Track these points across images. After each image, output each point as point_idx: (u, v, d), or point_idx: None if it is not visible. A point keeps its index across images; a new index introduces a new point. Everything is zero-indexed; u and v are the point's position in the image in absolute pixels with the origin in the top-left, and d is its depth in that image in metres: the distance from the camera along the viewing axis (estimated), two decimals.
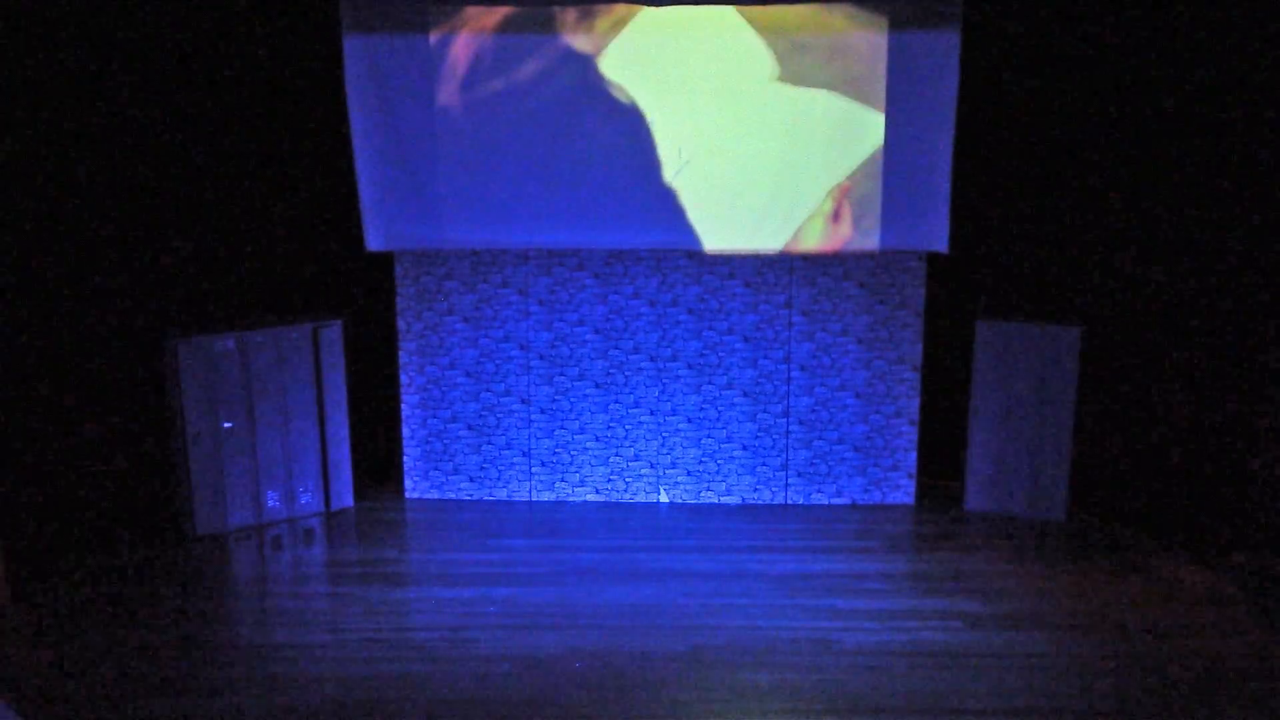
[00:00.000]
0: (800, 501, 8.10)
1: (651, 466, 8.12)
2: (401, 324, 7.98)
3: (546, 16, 7.28)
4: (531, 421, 8.08)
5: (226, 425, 7.53)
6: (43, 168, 7.28)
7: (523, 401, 8.06)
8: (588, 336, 7.96)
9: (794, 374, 7.93)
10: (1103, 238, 7.68)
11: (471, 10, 7.31)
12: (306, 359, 7.70)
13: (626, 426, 8.06)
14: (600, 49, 7.33)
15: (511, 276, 7.90)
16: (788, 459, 8.04)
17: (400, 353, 8.04)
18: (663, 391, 8.01)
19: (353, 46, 7.35)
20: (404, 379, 8.07)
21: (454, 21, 7.34)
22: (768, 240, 7.55)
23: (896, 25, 7.19)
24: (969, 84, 7.27)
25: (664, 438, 8.07)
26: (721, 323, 7.90)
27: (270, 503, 7.75)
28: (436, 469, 8.19)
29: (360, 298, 8.17)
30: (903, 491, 8.06)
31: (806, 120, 7.34)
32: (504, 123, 7.46)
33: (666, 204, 7.54)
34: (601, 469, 8.13)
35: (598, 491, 8.17)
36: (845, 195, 7.45)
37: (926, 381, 7.96)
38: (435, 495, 8.22)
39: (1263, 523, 7.19)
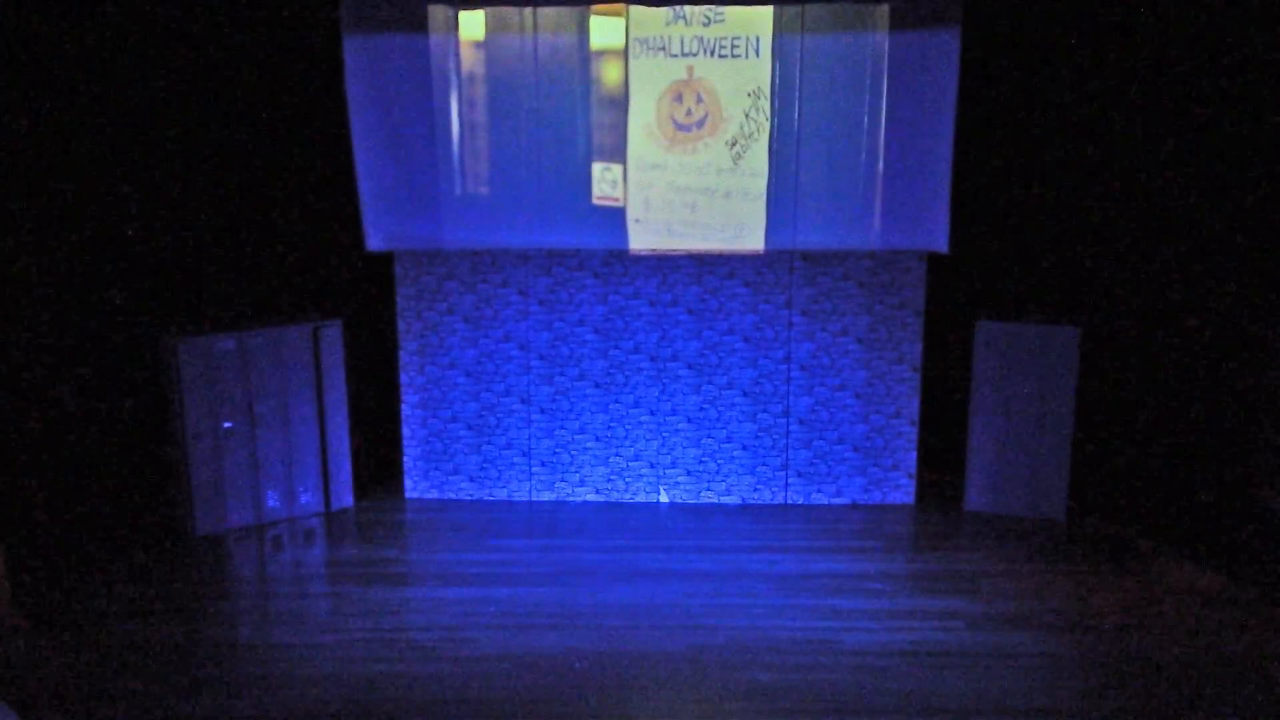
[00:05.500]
0: (800, 501, 8.10)
1: (651, 466, 8.12)
2: (401, 324, 7.98)
3: (547, 16, 7.28)
4: (531, 421, 8.08)
5: (226, 425, 7.53)
6: (42, 167, 7.28)
7: (522, 401, 8.06)
8: (588, 336, 7.96)
9: (794, 374, 7.93)
10: (1103, 238, 7.69)
11: (471, 10, 7.31)
12: (306, 359, 7.70)
13: (626, 426, 8.06)
14: (601, 48, 7.33)
15: (511, 276, 7.90)
16: (788, 459, 8.04)
17: (400, 353, 8.04)
18: (663, 391, 8.01)
19: (353, 46, 7.35)
20: (404, 379, 8.07)
21: (454, 21, 7.34)
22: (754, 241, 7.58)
23: (896, 25, 7.19)
24: (969, 84, 7.27)
25: (664, 438, 8.07)
26: (721, 323, 7.90)
27: (270, 503, 7.75)
28: (436, 469, 8.19)
29: (360, 298, 8.17)
30: (903, 491, 8.06)
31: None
32: (505, 121, 7.47)
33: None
34: (601, 469, 8.13)
35: (598, 491, 8.17)
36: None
37: (926, 381, 7.96)
38: (435, 495, 8.22)
39: (1262, 522, 7.20)
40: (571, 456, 8.13)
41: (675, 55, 7.31)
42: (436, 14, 7.32)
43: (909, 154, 7.36)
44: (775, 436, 8.02)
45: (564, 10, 7.27)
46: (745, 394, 7.98)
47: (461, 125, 7.51)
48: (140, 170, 7.61)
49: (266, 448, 7.68)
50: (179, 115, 7.64)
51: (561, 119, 7.44)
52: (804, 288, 7.81)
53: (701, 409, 8.02)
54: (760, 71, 7.29)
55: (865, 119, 7.35)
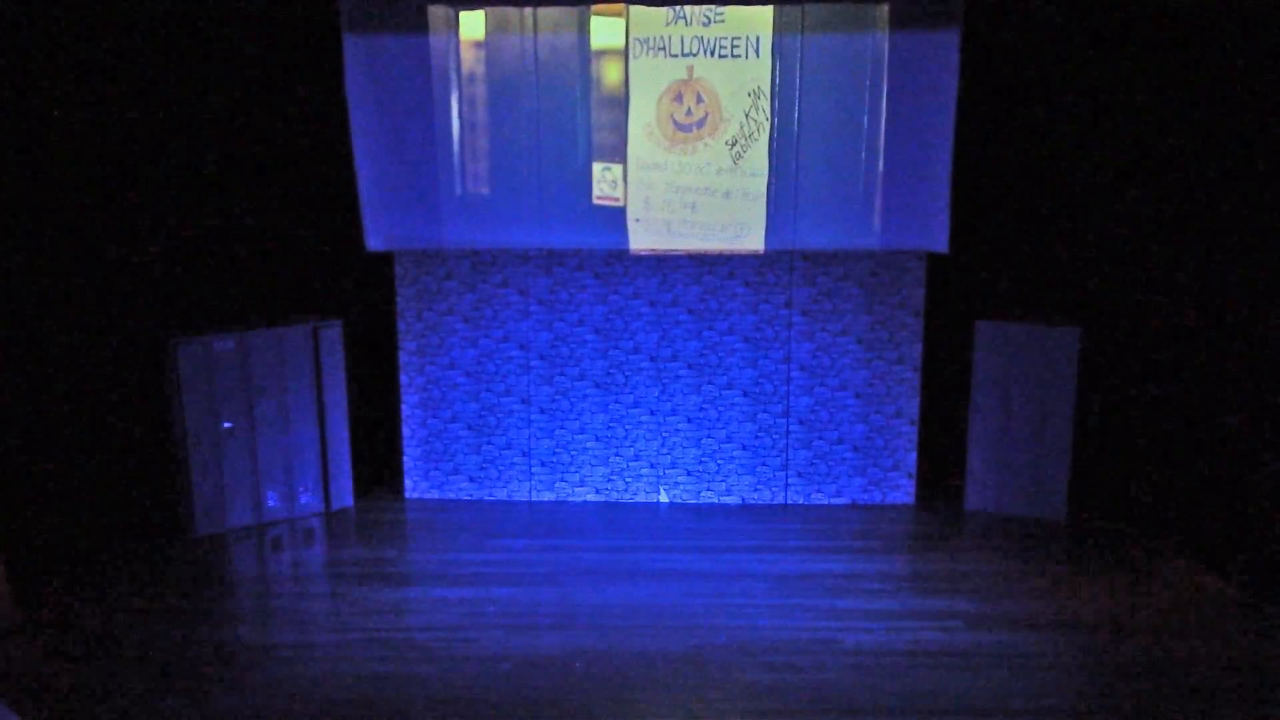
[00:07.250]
0: (800, 501, 8.10)
1: (651, 466, 8.12)
2: (401, 324, 7.98)
3: (547, 16, 7.28)
4: (531, 421, 8.08)
5: (226, 425, 7.53)
6: (42, 167, 7.28)
7: (523, 401, 8.06)
8: (588, 336, 7.96)
9: (794, 374, 7.93)
10: (1102, 238, 7.68)
11: (471, 10, 7.31)
12: (306, 359, 7.71)
13: (626, 426, 8.06)
14: (600, 48, 7.34)
15: (511, 276, 7.90)
16: (788, 459, 8.04)
17: (400, 353, 8.03)
18: (663, 391, 8.01)
19: (353, 46, 7.35)
20: (404, 379, 8.07)
21: (454, 21, 7.35)
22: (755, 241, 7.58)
23: (896, 25, 7.19)
24: (969, 84, 7.27)
25: (664, 438, 8.07)
26: (721, 323, 7.90)
27: (270, 503, 7.75)
28: (436, 469, 8.19)
29: (360, 298, 8.17)
30: (903, 491, 8.06)
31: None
32: (505, 122, 7.47)
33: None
34: (601, 469, 8.13)
35: (598, 491, 8.17)
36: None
37: (926, 381, 7.96)
38: (435, 495, 8.22)
39: (1263, 523, 7.19)
40: (571, 456, 8.13)
41: (675, 55, 7.32)
42: (436, 14, 7.33)
43: (909, 154, 7.36)
44: (775, 436, 8.02)
45: (564, 10, 7.27)
46: (745, 394, 7.98)
47: (461, 125, 7.51)
48: (140, 171, 7.61)
49: (266, 448, 7.68)
50: (179, 115, 7.64)
51: (561, 119, 7.44)
52: (804, 288, 7.81)
53: (701, 409, 8.02)
54: (760, 71, 7.29)
55: (865, 119, 7.35)
